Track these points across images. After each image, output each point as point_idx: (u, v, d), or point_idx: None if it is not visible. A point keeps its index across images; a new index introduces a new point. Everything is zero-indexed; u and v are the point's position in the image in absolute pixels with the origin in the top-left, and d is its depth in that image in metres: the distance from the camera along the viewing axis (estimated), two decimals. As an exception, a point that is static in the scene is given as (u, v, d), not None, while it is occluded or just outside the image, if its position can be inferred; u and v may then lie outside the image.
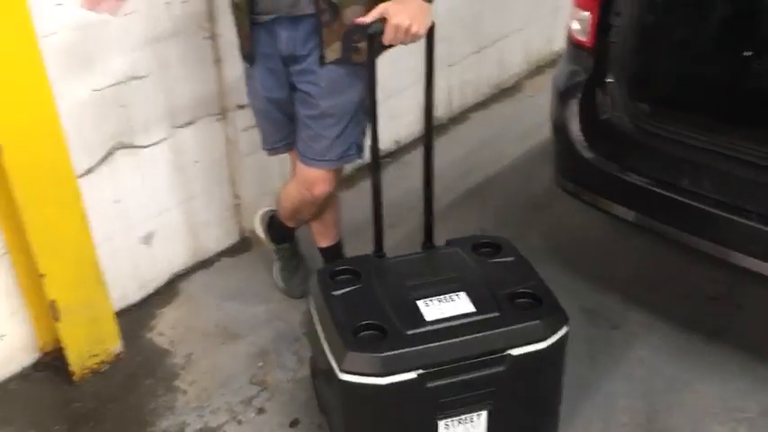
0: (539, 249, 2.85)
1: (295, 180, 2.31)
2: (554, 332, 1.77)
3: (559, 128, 2.36)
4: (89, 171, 2.33)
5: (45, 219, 2.06)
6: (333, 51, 2.02)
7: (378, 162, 2.01)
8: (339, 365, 1.69)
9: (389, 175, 3.45)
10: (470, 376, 1.73)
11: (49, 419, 2.18)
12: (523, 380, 1.79)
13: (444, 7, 3.56)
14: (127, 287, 2.57)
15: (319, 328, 1.83)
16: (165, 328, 2.53)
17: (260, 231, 2.69)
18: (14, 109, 1.91)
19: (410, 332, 1.72)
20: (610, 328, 2.45)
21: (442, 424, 1.77)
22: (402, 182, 3.40)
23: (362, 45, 1.98)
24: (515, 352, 1.74)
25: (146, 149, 2.48)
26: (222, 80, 2.63)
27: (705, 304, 2.56)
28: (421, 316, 1.76)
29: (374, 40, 1.84)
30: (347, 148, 2.16)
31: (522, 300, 1.81)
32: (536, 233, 2.96)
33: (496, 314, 1.76)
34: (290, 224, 2.55)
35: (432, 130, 2.02)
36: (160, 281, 2.69)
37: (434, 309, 1.78)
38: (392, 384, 1.67)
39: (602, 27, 2.23)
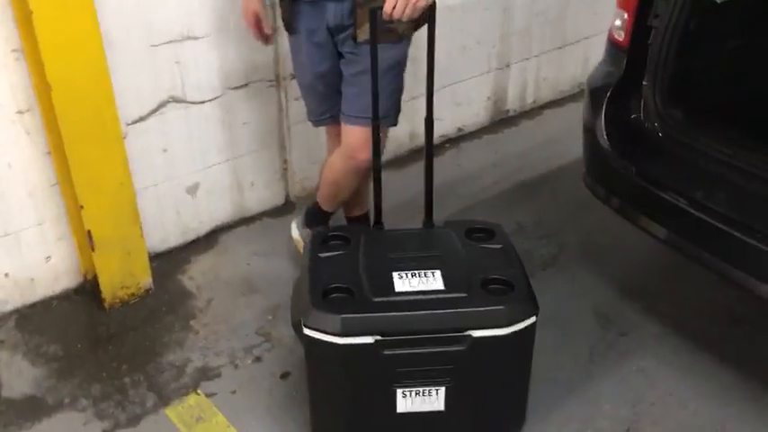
0: (570, 248, 2.83)
1: (339, 151, 2.39)
2: (519, 320, 1.79)
3: (588, 128, 2.34)
4: (140, 119, 2.54)
5: (87, 155, 2.27)
6: (363, 33, 2.11)
7: (378, 140, 2.08)
8: (305, 321, 1.79)
9: (445, 161, 3.50)
10: (428, 350, 1.79)
11: (75, 337, 2.42)
12: (484, 363, 1.82)
13: (522, 1, 3.56)
14: (168, 232, 2.77)
15: (300, 285, 1.94)
16: (196, 273, 2.72)
17: (296, 234, 2.71)
18: (64, 52, 2.12)
19: (375, 299, 1.79)
20: (618, 335, 2.41)
21: (399, 392, 1.84)
22: (454, 168, 3.46)
23: (393, 26, 2.05)
24: (476, 334, 1.77)
25: (197, 106, 2.66)
26: (278, 48, 2.77)
27: (727, 326, 2.46)
28: (391, 286, 1.83)
29: (376, 16, 1.92)
30: (389, 107, 2.23)
31: (494, 285, 1.84)
32: (572, 233, 2.93)
33: (464, 295, 1.80)
34: (326, 207, 2.57)
35: (432, 111, 2.06)
36: (202, 231, 2.88)
37: (406, 281, 1.84)
38: (349, 345, 1.76)
39: (638, 28, 2.19)
